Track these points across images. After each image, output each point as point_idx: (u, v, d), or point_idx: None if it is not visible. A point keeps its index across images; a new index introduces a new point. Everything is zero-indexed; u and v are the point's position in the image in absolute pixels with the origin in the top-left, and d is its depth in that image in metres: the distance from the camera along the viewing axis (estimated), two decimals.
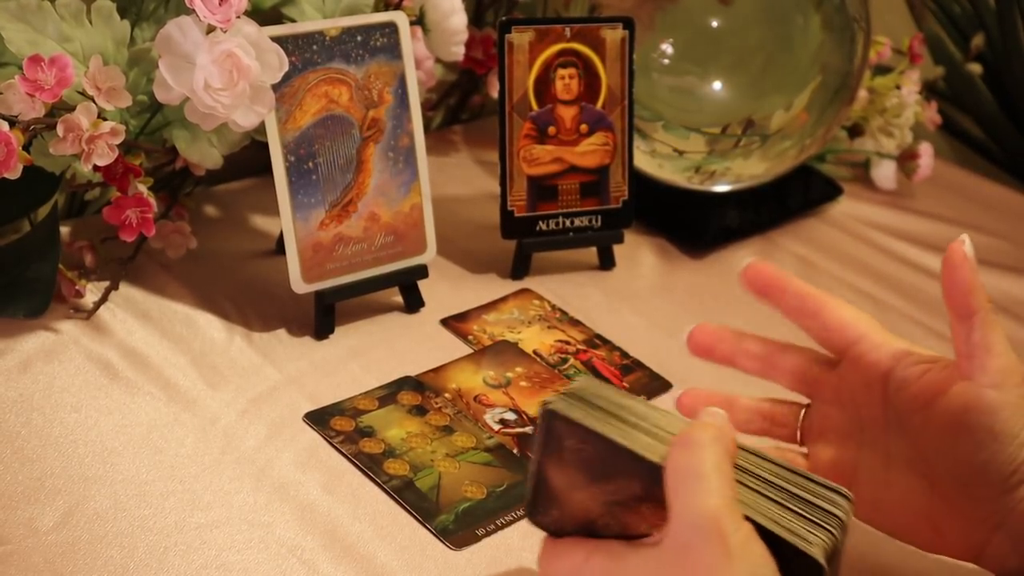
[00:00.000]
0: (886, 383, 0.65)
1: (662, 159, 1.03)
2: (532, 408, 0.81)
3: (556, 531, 0.61)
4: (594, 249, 0.98)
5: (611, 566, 0.57)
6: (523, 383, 0.84)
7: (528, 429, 0.79)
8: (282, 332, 0.87)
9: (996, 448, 0.60)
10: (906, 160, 1.15)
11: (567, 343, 0.89)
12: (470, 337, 0.89)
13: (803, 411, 0.70)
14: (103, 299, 0.86)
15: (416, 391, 0.82)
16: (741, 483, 0.57)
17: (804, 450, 0.69)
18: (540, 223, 0.95)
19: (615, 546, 0.58)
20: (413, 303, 0.91)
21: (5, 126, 0.73)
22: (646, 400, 0.61)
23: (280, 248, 0.94)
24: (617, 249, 0.99)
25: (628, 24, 0.94)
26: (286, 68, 0.78)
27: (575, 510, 0.60)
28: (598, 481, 0.58)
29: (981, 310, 0.61)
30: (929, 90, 1.24)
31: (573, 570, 0.59)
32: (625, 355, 0.88)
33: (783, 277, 0.69)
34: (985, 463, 0.61)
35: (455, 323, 0.90)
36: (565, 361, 0.87)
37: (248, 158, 0.92)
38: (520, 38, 0.92)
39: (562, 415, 0.58)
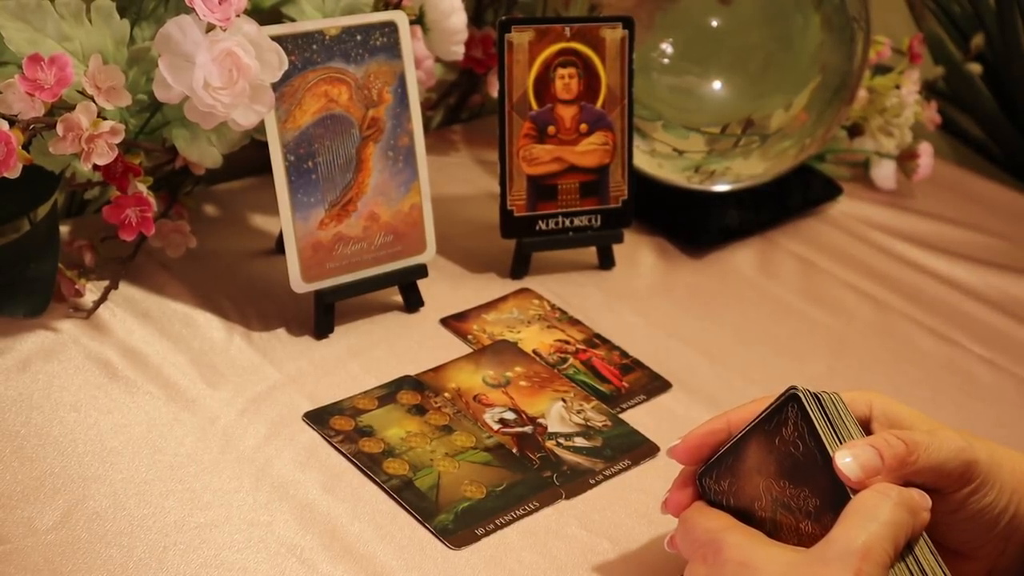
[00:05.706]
0: None
1: (662, 159, 1.03)
2: (531, 408, 0.81)
3: (713, 500, 0.63)
4: (594, 249, 0.98)
5: (746, 545, 0.58)
6: (522, 383, 0.84)
7: (527, 429, 0.79)
8: (281, 331, 0.87)
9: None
10: (906, 160, 1.15)
11: (567, 343, 0.89)
12: (469, 336, 0.89)
13: None
14: (102, 298, 0.85)
15: (415, 390, 0.82)
16: (905, 563, 0.56)
17: None
18: (540, 223, 0.95)
19: (758, 533, 0.60)
20: (413, 302, 0.91)
21: (5, 125, 0.73)
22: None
23: (280, 247, 0.94)
24: (617, 249, 0.98)
25: (628, 24, 0.94)
26: (286, 67, 0.78)
27: (746, 492, 0.61)
28: (786, 479, 0.59)
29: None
30: (929, 90, 1.24)
31: (710, 532, 0.60)
32: (624, 354, 0.88)
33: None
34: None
35: (454, 322, 0.90)
36: (564, 361, 0.87)
37: (248, 157, 0.92)
38: (520, 37, 0.92)
39: (802, 404, 0.59)
